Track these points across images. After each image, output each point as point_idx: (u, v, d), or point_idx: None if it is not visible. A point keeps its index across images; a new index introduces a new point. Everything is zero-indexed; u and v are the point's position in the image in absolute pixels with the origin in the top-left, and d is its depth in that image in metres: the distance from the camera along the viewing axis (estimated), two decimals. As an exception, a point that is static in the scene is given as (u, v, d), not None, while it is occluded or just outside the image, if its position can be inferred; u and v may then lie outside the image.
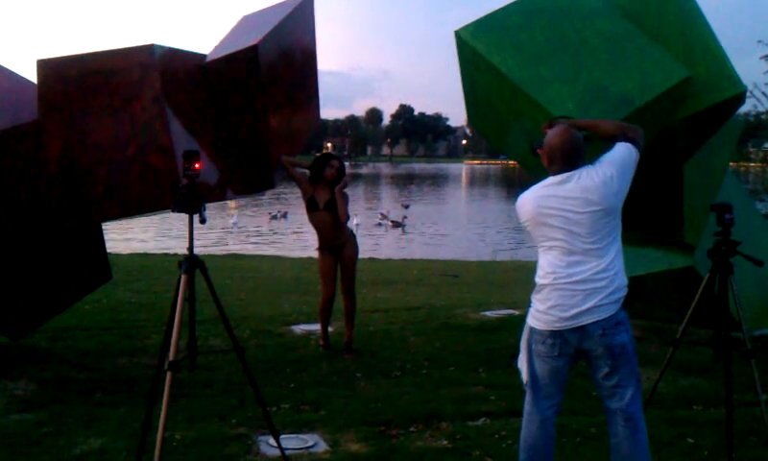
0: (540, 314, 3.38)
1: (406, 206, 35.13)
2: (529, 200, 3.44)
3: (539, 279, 3.42)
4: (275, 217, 30.26)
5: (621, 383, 3.32)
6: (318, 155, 6.86)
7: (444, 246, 24.03)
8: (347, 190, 6.53)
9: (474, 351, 6.68)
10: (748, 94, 6.53)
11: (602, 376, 3.34)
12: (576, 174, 3.34)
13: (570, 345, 3.34)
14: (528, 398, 3.48)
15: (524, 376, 3.49)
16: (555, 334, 3.34)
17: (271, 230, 27.06)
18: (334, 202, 6.43)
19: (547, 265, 3.38)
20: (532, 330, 3.44)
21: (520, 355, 3.53)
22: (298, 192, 6.75)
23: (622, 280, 3.33)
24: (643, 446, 3.33)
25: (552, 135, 3.46)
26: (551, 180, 3.41)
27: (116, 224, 18.84)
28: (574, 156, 3.38)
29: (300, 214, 23.18)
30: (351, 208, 6.58)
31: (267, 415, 4.03)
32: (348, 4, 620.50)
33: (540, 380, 3.43)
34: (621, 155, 3.38)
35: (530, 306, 3.47)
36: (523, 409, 3.51)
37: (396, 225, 28.91)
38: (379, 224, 29.56)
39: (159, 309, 8.02)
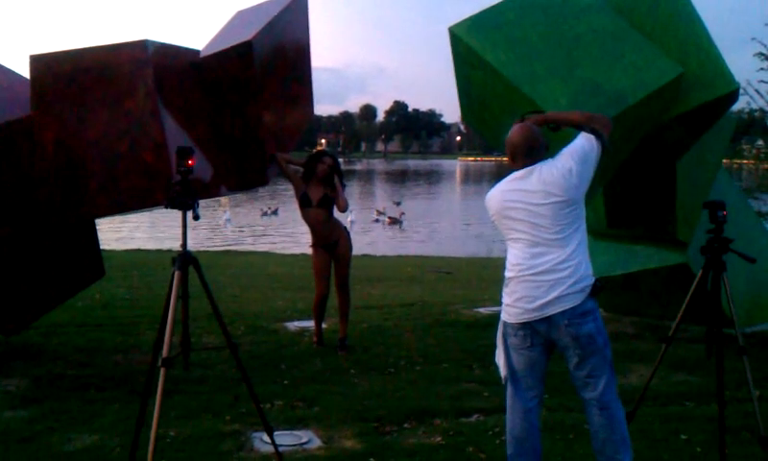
0: (509, 307, 3.44)
1: (398, 203, 35.15)
2: (495, 194, 3.53)
3: (506, 273, 3.48)
4: (265, 214, 30.26)
5: (593, 373, 3.35)
6: (312, 152, 6.85)
7: (439, 243, 24.06)
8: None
9: (468, 348, 6.69)
10: (741, 91, 6.53)
11: (573, 366, 3.39)
12: (538, 167, 3.41)
13: (540, 335, 3.39)
14: (509, 391, 3.52)
15: (502, 370, 3.55)
16: (525, 326, 3.39)
17: (262, 226, 27.02)
18: (327, 198, 6.42)
19: (513, 258, 3.44)
20: (505, 324, 3.50)
21: (497, 350, 3.58)
22: (291, 188, 6.75)
23: (587, 270, 3.36)
24: (621, 432, 3.38)
25: (512, 133, 3.53)
26: (516, 174, 3.47)
27: (110, 220, 18.83)
28: (535, 151, 3.46)
29: (291, 211, 23.17)
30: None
31: (261, 411, 4.03)
32: (342, 0, 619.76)
33: (519, 373, 3.48)
34: (582, 147, 3.42)
35: (501, 301, 3.52)
36: (506, 403, 3.54)
37: (394, 221, 28.92)
38: (376, 220, 29.56)
39: (153, 306, 7.98)
